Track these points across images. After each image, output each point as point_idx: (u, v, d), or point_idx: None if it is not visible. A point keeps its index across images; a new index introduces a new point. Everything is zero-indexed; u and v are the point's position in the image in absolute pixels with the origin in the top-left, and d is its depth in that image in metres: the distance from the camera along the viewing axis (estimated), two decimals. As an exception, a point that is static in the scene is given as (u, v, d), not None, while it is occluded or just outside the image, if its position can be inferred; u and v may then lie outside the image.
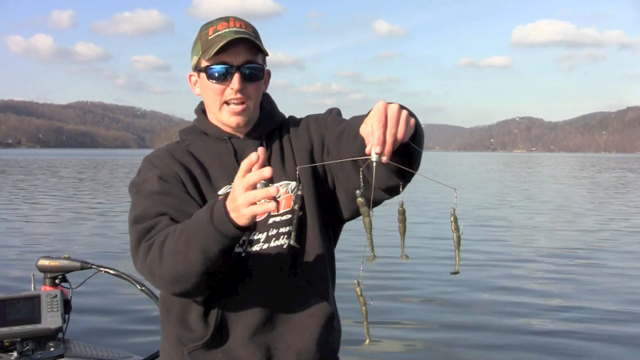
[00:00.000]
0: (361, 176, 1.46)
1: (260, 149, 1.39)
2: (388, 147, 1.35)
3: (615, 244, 12.22)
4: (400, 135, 1.37)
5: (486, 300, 7.57)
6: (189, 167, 1.79)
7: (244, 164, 1.38)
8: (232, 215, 1.42)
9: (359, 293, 1.49)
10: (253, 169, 1.37)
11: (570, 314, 6.92)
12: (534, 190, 28.85)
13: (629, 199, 23.51)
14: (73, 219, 16.27)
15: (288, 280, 1.77)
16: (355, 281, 1.49)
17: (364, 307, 1.50)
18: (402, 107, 1.43)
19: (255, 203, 1.37)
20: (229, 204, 1.43)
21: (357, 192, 1.42)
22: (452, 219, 1.44)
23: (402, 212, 1.43)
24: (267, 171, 1.36)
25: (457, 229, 1.44)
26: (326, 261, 1.83)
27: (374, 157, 1.35)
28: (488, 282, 8.47)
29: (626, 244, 12.33)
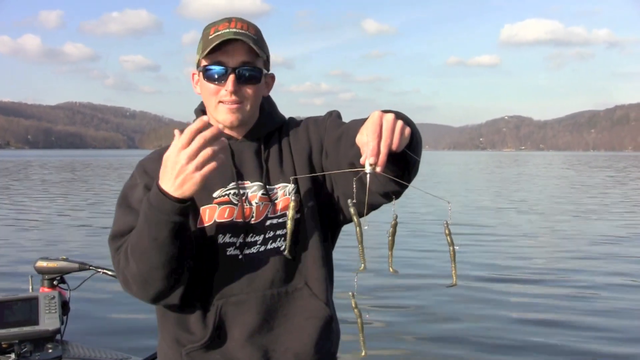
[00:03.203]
0: (355, 186, 1.48)
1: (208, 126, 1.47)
2: (382, 158, 1.37)
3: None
4: (394, 146, 1.39)
5: (480, 313, 7.35)
6: None
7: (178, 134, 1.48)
8: (168, 190, 1.50)
9: (354, 305, 1.50)
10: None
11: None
12: (526, 193, 28.74)
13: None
14: (71, 220, 16.20)
15: (285, 282, 1.78)
16: (350, 293, 1.51)
17: (359, 319, 1.51)
18: (398, 117, 1.44)
19: (190, 172, 1.46)
20: (161, 180, 1.51)
21: (349, 201, 1.44)
22: (446, 231, 1.46)
23: (394, 226, 1.46)
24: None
25: (452, 242, 1.46)
26: (324, 263, 1.84)
27: (367, 169, 1.37)
28: (483, 294, 8.19)
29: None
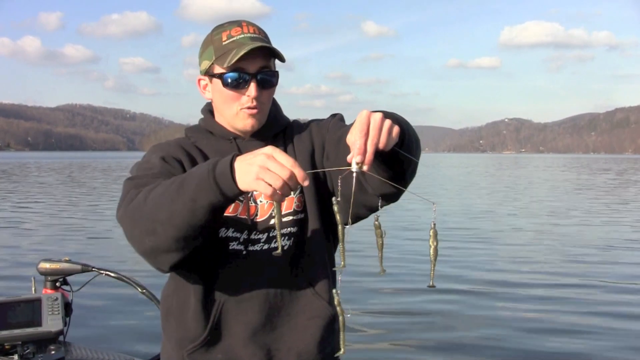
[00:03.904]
0: (340, 185, 1.48)
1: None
2: (369, 157, 1.36)
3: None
4: (381, 144, 1.37)
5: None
6: (196, 157, 1.80)
7: (291, 159, 1.36)
8: (237, 173, 1.39)
9: (337, 303, 1.50)
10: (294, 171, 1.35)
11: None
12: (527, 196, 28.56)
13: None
14: (73, 221, 16.18)
15: (289, 281, 1.78)
16: (334, 291, 1.50)
17: (341, 317, 1.50)
18: (387, 116, 1.43)
19: (267, 183, 1.34)
20: (241, 161, 1.40)
21: (333, 199, 1.43)
22: (431, 232, 1.46)
23: (378, 227, 1.44)
24: (303, 181, 1.36)
25: (433, 244, 1.47)
26: (327, 263, 1.85)
27: (354, 168, 1.37)
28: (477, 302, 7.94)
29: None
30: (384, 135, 1.37)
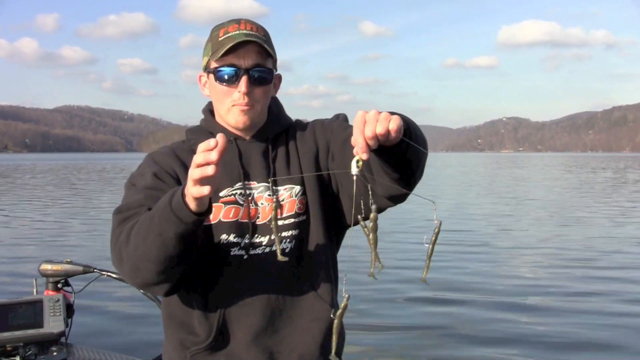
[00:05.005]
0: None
1: (220, 135, 1.34)
2: (363, 144, 1.34)
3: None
4: (380, 129, 1.34)
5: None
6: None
7: (200, 148, 1.35)
8: (187, 198, 1.42)
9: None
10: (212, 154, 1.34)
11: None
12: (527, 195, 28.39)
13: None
14: (74, 223, 16.14)
15: (291, 283, 1.78)
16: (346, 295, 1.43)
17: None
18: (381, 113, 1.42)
19: (199, 182, 1.35)
20: (186, 188, 1.42)
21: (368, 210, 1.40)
22: (436, 230, 1.42)
23: (374, 220, 1.39)
24: (214, 155, 1.33)
25: (434, 242, 1.43)
26: (329, 265, 1.84)
27: (354, 170, 1.36)
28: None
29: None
30: (381, 122, 1.35)
